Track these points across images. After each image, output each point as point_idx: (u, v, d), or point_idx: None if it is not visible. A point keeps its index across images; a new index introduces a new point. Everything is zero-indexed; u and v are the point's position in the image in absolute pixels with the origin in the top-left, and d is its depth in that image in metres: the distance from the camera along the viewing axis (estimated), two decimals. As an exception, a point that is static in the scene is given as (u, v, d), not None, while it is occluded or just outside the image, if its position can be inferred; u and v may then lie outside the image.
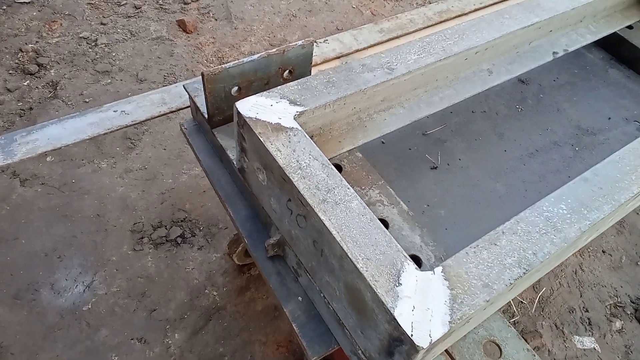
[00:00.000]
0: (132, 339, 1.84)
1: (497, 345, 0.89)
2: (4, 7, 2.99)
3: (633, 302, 2.18)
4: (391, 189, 1.09)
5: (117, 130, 1.22)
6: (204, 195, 2.28)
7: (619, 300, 2.18)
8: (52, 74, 2.68)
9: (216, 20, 3.15)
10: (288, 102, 0.98)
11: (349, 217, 0.80)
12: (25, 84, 2.62)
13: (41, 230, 2.09)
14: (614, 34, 1.57)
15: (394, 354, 0.74)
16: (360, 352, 0.87)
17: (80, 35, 2.90)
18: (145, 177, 2.32)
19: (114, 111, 1.26)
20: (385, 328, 0.74)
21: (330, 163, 0.88)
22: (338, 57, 1.55)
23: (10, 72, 2.66)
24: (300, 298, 1.01)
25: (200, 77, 1.07)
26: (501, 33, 1.22)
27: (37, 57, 2.73)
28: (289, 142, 0.91)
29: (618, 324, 2.11)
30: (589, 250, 2.33)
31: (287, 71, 1.18)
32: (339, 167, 1.13)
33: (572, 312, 2.12)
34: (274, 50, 1.11)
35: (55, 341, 1.81)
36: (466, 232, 1.13)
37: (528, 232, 0.82)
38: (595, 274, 2.26)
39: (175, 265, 2.05)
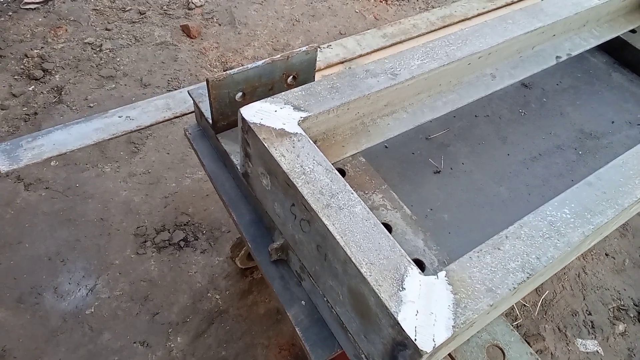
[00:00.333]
0: (134, 343, 1.85)
1: (501, 349, 0.89)
2: (10, 13, 3.02)
3: (636, 305, 2.17)
4: (394, 193, 1.10)
5: (122, 135, 1.23)
6: (207, 199, 2.28)
7: (622, 303, 2.18)
8: (57, 79, 2.70)
9: (220, 25, 3.16)
10: (292, 107, 0.99)
11: (353, 222, 0.81)
12: (30, 89, 2.63)
13: (45, 234, 2.10)
14: (617, 38, 1.58)
15: (397, 359, 0.75)
16: (363, 356, 0.87)
17: (85, 41, 2.92)
18: (148, 181, 2.33)
19: (119, 117, 1.27)
20: (388, 332, 0.74)
21: (333, 168, 0.89)
22: (341, 62, 1.56)
23: (16, 77, 2.68)
24: (303, 302, 1.01)
25: (205, 83, 1.08)
26: (504, 38, 1.23)
27: (42, 63, 2.75)
28: (293, 147, 0.91)
29: (621, 327, 2.10)
30: (592, 253, 2.33)
31: (291, 77, 1.19)
32: (342, 172, 1.13)
33: (575, 315, 2.12)
34: (278, 56, 1.12)
35: (58, 345, 1.81)
36: (469, 236, 1.13)
37: (531, 237, 0.82)
38: (598, 277, 2.25)
39: (178, 268, 2.06)
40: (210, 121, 1.17)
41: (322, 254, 0.86)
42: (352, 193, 0.85)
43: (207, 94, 1.09)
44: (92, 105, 2.59)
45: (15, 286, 1.94)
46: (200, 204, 2.27)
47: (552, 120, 1.45)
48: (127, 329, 1.88)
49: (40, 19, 3.01)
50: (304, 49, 1.15)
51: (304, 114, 0.98)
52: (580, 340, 2.05)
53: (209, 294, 2.01)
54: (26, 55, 2.77)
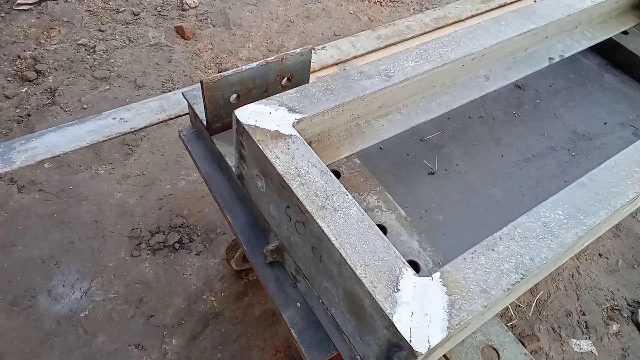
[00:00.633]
0: (129, 345, 1.84)
1: (495, 350, 0.89)
2: (3, 15, 3.00)
3: (630, 305, 2.19)
4: (389, 195, 1.10)
5: (116, 137, 1.23)
6: (202, 200, 2.28)
7: (615, 303, 2.19)
8: (50, 80, 2.69)
9: (214, 26, 3.16)
10: (287, 109, 0.99)
11: (348, 224, 0.81)
12: (24, 90, 2.62)
13: (38, 237, 2.08)
14: (610, 39, 1.59)
15: (392, 360, 0.75)
16: (359, 357, 0.87)
17: (79, 42, 2.90)
18: (143, 183, 2.32)
19: (113, 118, 1.26)
20: (384, 334, 0.74)
21: (328, 170, 0.89)
22: (336, 64, 1.56)
23: (9, 79, 2.66)
24: (298, 304, 1.01)
25: (199, 84, 1.07)
26: (497, 40, 1.23)
27: (36, 64, 2.74)
28: (288, 149, 0.91)
29: (615, 327, 2.11)
30: (585, 253, 2.34)
31: (286, 78, 1.19)
32: (337, 174, 1.14)
33: (569, 315, 2.13)
34: (273, 58, 1.12)
35: (52, 348, 1.80)
36: (464, 237, 1.14)
37: (525, 238, 0.83)
38: (592, 277, 2.27)
39: (173, 271, 2.05)
40: (205, 123, 1.17)
41: (318, 256, 0.86)
42: (346, 195, 0.85)
43: (201, 96, 1.09)
44: (85, 106, 2.58)
45: (9, 289, 1.92)
46: (195, 205, 2.27)
47: (546, 121, 1.46)
48: (122, 331, 1.87)
49: (33, 20, 3.00)
50: (298, 50, 1.15)
51: (298, 116, 0.98)
52: (575, 340, 2.07)
53: (204, 296, 2.00)
54: (19, 57, 2.76)
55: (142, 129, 1.26)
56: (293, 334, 0.97)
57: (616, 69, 1.65)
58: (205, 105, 1.10)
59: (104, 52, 2.87)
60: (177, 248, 2.12)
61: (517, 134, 1.40)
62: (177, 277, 2.04)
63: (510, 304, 2.13)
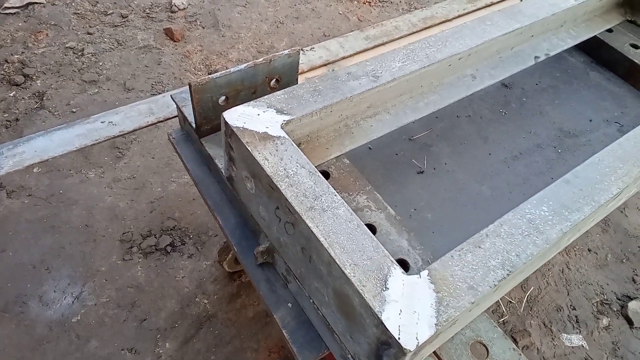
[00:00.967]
0: (122, 350, 1.83)
1: (484, 345, 0.90)
2: (-12, 18, 2.97)
3: (619, 299, 2.22)
4: (378, 194, 1.11)
5: (105, 141, 1.23)
6: (194, 203, 2.27)
7: (605, 297, 2.22)
8: (39, 84, 2.67)
9: (203, 28, 3.15)
10: (275, 111, 1.00)
11: (337, 224, 0.82)
12: (11, 95, 2.60)
13: (29, 242, 2.07)
14: (594, 37, 1.61)
15: (382, 358, 0.76)
16: (350, 356, 0.88)
17: (67, 45, 2.88)
18: (134, 186, 2.31)
19: (102, 122, 1.26)
20: (373, 332, 0.75)
21: (317, 170, 0.90)
22: (325, 65, 1.57)
23: (-4, 82, 2.64)
24: (290, 304, 1.01)
25: (188, 87, 1.08)
26: (483, 39, 1.25)
27: (23, 68, 2.72)
28: (276, 150, 0.92)
29: (605, 321, 2.14)
30: (575, 249, 2.37)
31: (274, 80, 1.19)
32: (326, 174, 1.14)
33: (560, 310, 2.15)
34: (261, 59, 1.13)
35: (45, 354, 1.79)
36: (453, 235, 1.15)
37: (511, 235, 0.84)
38: (581, 272, 2.30)
39: (165, 274, 2.05)
40: (194, 125, 1.17)
41: (307, 256, 0.87)
42: (335, 195, 0.86)
43: (190, 98, 1.09)
44: (74, 110, 2.57)
45: (0, 295, 1.91)
46: (187, 208, 2.26)
47: (532, 119, 1.47)
48: (115, 336, 1.87)
49: (20, 24, 2.97)
50: (286, 52, 1.15)
51: (286, 117, 0.99)
52: (566, 335, 2.09)
53: (197, 299, 2.00)
54: (6, 61, 2.73)
55: (131, 132, 1.25)
56: (285, 334, 0.97)
57: (601, 67, 1.67)
58: (193, 108, 1.10)
59: (92, 55, 2.85)
60: (169, 251, 2.12)
61: (504, 132, 1.42)
62: (170, 280, 2.04)
63: (501, 300, 2.15)
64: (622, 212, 2.54)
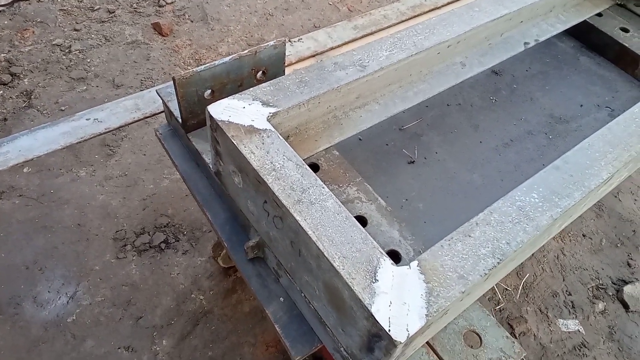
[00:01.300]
0: (119, 348, 1.83)
1: (477, 334, 0.90)
2: (-27, 17, 2.92)
3: (614, 284, 2.23)
4: (369, 186, 1.10)
5: (91, 138, 1.21)
6: (186, 199, 2.26)
7: (600, 282, 2.23)
8: (26, 83, 2.63)
9: (192, 22, 3.12)
10: (261, 103, 0.98)
11: (325, 217, 0.81)
12: (-2, 94, 2.56)
13: (21, 243, 2.05)
14: (584, 22, 1.60)
15: (374, 350, 0.75)
16: (342, 349, 0.87)
17: (54, 43, 2.84)
18: (125, 183, 2.29)
19: (87, 119, 1.24)
20: (364, 324, 0.74)
21: (304, 163, 0.88)
22: (313, 56, 1.55)
23: (-18, 82, 2.60)
24: (282, 299, 1.01)
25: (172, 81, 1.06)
26: (471, 26, 1.23)
27: (10, 67, 2.68)
28: (263, 143, 0.90)
29: (601, 306, 2.15)
30: (569, 234, 2.38)
31: (261, 72, 1.18)
32: (316, 166, 1.13)
33: (556, 296, 2.16)
34: (246, 51, 1.11)
35: (40, 355, 1.78)
36: (444, 224, 1.14)
37: (501, 222, 0.83)
38: (576, 257, 2.30)
39: (159, 271, 2.04)
40: (180, 120, 1.15)
41: (296, 250, 0.86)
42: (323, 187, 0.85)
43: (175, 93, 1.07)
44: (63, 108, 2.54)
45: (-8, 297, 1.90)
46: (180, 204, 2.25)
47: (523, 106, 1.46)
48: (111, 334, 1.86)
49: (5, 22, 2.92)
50: (271, 43, 1.14)
51: (272, 110, 0.97)
52: (562, 320, 2.10)
53: (192, 295, 1.99)
54: (-8, 60, 2.70)
55: (116, 129, 1.24)
56: (277, 328, 0.97)
57: (591, 51, 1.66)
58: (179, 102, 1.09)
59: (79, 52, 2.81)
60: (163, 248, 2.10)
61: (495, 120, 1.41)
62: (165, 277, 2.03)
63: (497, 288, 2.16)
64: (615, 196, 2.55)
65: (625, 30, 1.60)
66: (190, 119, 1.14)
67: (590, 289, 2.21)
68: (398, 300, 0.72)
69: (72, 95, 2.60)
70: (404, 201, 1.19)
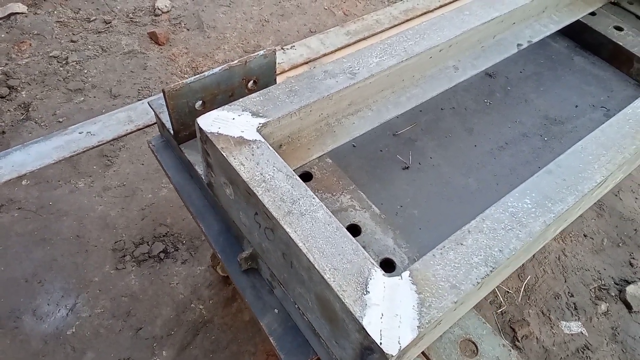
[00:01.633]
0: (119, 360, 1.82)
1: (473, 343, 0.89)
2: (-30, 31, 2.94)
3: (617, 284, 2.21)
4: (362, 193, 1.09)
5: (84, 152, 1.21)
6: (185, 208, 2.25)
7: (602, 283, 2.21)
8: (24, 95, 2.64)
9: (188, 30, 3.12)
10: (250, 114, 0.98)
11: (315, 228, 0.80)
12: (-4, 107, 2.57)
13: (20, 256, 2.05)
14: (577, 21, 1.59)
15: (367, 362, 0.74)
16: (337, 361, 0.87)
17: (51, 55, 2.85)
18: (124, 193, 2.29)
19: (80, 133, 1.24)
20: (356, 337, 0.73)
21: (294, 174, 0.88)
22: (306, 63, 1.54)
23: (-20, 96, 2.61)
24: (276, 310, 1.00)
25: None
26: (462, 30, 1.23)
27: (7, 80, 2.69)
28: (252, 155, 0.90)
29: (603, 307, 2.13)
30: (570, 235, 2.36)
31: (252, 82, 1.17)
32: (309, 175, 1.12)
33: (558, 298, 2.14)
34: (236, 62, 1.10)
35: (41, 368, 1.78)
36: (440, 230, 1.13)
37: (494, 229, 0.82)
38: (578, 258, 2.28)
39: (159, 281, 2.03)
40: (172, 132, 1.15)
41: (288, 262, 0.85)
42: (313, 198, 0.84)
43: (165, 105, 1.07)
44: (61, 120, 2.54)
45: (-8, 311, 1.90)
46: (178, 213, 2.24)
47: (517, 108, 1.45)
48: (111, 346, 1.85)
49: (2, 35, 2.94)
50: (261, 52, 1.13)
51: (262, 120, 0.97)
52: (564, 322, 2.08)
53: (192, 305, 1.99)
54: (-10, 74, 2.71)
55: (110, 141, 1.23)
56: (272, 340, 0.96)
57: (585, 51, 1.65)
58: (169, 114, 1.08)
59: (76, 63, 2.82)
60: (162, 258, 2.10)
61: (489, 123, 1.40)
62: (164, 287, 2.02)
63: (499, 291, 2.14)
64: (616, 195, 2.53)
65: (619, 28, 1.59)
66: (182, 131, 1.14)
67: (593, 290, 2.19)
68: (390, 312, 0.71)
69: (69, 106, 2.61)
70: (399, 208, 1.18)
